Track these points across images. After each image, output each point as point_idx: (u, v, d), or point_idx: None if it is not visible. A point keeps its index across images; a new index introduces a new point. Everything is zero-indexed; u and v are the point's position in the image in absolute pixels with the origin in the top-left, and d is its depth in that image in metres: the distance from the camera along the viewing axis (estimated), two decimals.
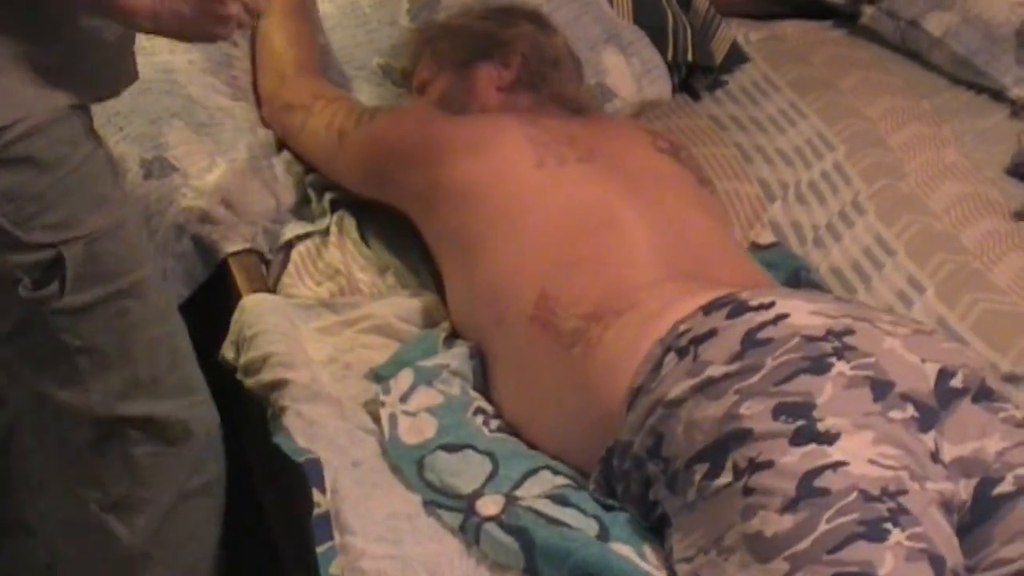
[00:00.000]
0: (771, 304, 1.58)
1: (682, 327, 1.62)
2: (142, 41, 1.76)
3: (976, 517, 1.48)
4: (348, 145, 2.15)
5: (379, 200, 2.15)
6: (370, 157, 2.12)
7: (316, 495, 1.63)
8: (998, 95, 2.77)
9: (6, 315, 1.65)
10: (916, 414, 1.48)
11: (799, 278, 2.12)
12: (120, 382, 1.71)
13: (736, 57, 2.77)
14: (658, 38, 2.65)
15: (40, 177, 1.55)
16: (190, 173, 2.08)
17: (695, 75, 2.71)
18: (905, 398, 1.49)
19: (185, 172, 2.08)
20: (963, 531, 1.47)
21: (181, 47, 2.19)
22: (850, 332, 1.54)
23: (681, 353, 1.58)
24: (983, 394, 1.55)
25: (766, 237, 2.30)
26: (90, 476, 1.77)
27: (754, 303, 1.59)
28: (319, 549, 1.57)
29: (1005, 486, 1.49)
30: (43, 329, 1.64)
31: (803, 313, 1.56)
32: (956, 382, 1.54)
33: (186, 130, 2.13)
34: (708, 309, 1.62)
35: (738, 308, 1.59)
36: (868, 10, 2.96)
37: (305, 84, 2.27)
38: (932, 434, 1.49)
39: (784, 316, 1.56)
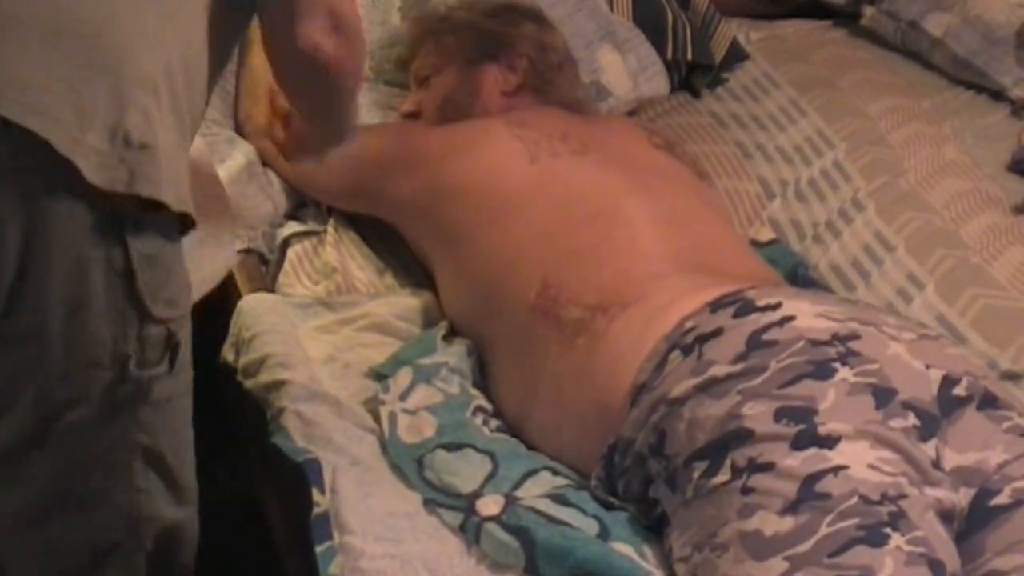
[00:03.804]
0: (778, 305, 1.58)
1: (688, 324, 1.62)
2: None
3: (971, 526, 1.48)
4: (331, 162, 2.13)
5: (363, 213, 2.16)
6: (356, 172, 2.11)
7: (315, 495, 1.63)
8: (998, 95, 2.78)
9: (88, 400, 1.45)
10: (917, 423, 1.49)
11: (796, 275, 2.12)
12: (170, 485, 1.56)
13: (736, 55, 2.78)
14: (658, 36, 2.65)
15: (168, 247, 1.45)
16: None
17: (695, 73, 2.72)
18: (907, 406, 1.49)
19: None
20: (958, 540, 1.47)
21: None
22: (855, 337, 1.54)
23: (686, 351, 1.58)
24: (987, 402, 1.55)
25: (766, 234, 2.30)
26: None
27: (761, 303, 1.59)
28: (318, 549, 1.57)
29: (1002, 498, 1.49)
30: (127, 419, 1.48)
31: (809, 316, 1.56)
32: (960, 390, 1.54)
33: None
34: (715, 307, 1.62)
35: (745, 308, 1.59)
36: (868, 11, 2.97)
37: None
38: (933, 443, 1.49)
39: (790, 318, 1.56)
